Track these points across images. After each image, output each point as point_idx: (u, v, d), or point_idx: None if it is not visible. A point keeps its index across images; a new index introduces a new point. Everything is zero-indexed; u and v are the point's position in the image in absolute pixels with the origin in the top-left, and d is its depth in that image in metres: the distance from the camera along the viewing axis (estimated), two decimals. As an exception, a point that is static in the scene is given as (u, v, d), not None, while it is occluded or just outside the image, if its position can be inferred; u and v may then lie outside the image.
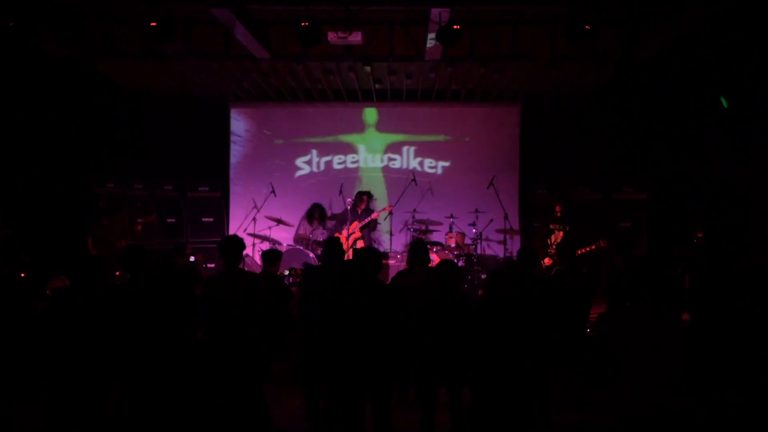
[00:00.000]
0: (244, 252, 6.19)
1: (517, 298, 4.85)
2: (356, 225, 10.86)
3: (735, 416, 5.02)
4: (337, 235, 10.67)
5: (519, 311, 4.72)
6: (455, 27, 7.92)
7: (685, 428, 4.65)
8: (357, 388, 4.78)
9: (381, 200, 12.25)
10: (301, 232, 11.77)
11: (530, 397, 4.61)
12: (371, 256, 5.03)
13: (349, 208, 11.11)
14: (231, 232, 11.60)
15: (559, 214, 10.50)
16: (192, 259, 9.16)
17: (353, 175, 12.64)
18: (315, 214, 11.44)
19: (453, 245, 11.22)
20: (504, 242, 11.63)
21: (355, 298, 4.83)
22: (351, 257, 8.66)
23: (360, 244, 10.72)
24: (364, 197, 11.24)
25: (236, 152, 12.81)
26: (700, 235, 9.84)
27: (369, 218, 10.97)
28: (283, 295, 6.99)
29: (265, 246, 11.47)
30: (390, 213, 11.51)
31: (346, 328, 4.76)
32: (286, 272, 9.05)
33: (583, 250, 9.09)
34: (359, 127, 12.79)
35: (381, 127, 12.77)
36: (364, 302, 4.80)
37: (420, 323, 5.21)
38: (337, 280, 5.74)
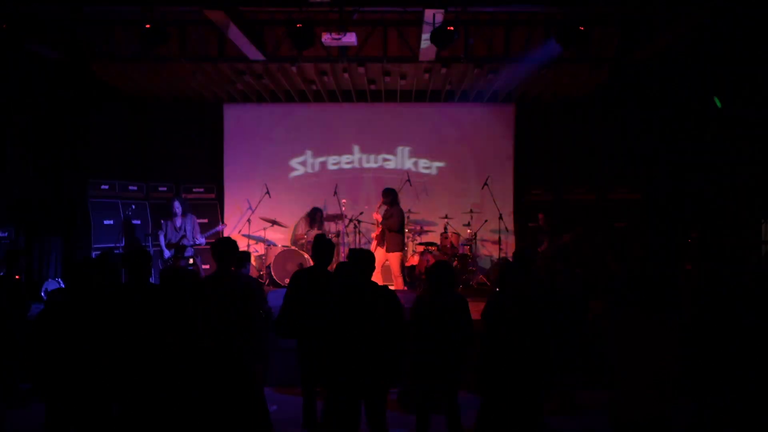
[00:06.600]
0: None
1: (518, 299, 4.87)
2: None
3: (731, 418, 5.04)
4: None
5: (520, 313, 4.73)
6: (449, 28, 7.93)
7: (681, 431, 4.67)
8: (353, 390, 4.78)
9: (375, 201, 12.25)
10: (299, 233, 11.80)
11: (538, 402, 4.63)
12: (365, 257, 5.03)
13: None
14: (225, 233, 11.57)
15: (541, 222, 10.54)
16: (191, 261, 9.16)
17: (348, 176, 12.62)
18: (317, 217, 11.46)
19: (448, 246, 11.24)
20: (499, 243, 11.66)
21: (351, 300, 4.83)
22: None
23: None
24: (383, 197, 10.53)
25: (231, 153, 12.79)
26: (694, 235, 9.88)
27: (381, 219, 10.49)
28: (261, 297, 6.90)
29: (260, 247, 11.50)
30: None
31: (342, 331, 4.76)
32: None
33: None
34: (354, 127, 12.78)
35: (376, 127, 12.76)
36: (360, 304, 4.80)
37: (414, 324, 5.22)
38: (329, 281, 5.74)
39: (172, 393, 4.56)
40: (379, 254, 9.99)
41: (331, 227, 11.84)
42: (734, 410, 4.59)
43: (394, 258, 10.33)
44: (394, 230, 10.31)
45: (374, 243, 10.69)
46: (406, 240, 11.59)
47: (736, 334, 4.75)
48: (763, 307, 4.49)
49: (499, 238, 11.61)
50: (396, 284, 10.28)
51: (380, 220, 10.58)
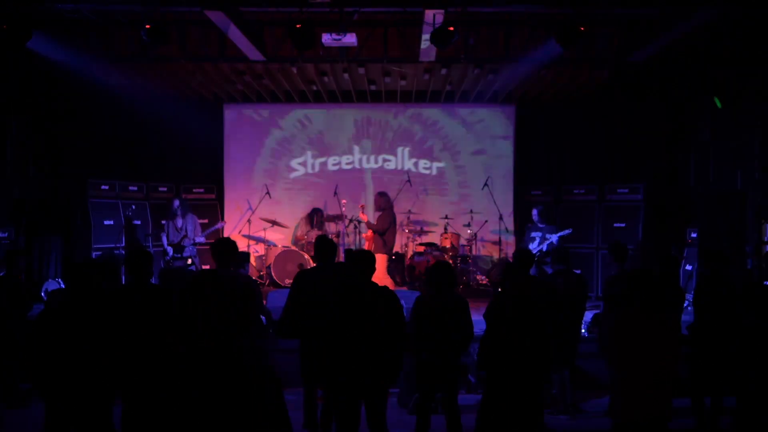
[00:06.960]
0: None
1: (518, 299, 4.87)
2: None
3: (731, 418, 5.04)
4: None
5: (521, 313, 4.74)
6: (449, 28, 7.93)
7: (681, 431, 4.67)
8: (353, 390, 4.78)
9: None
10: (299, 233, 11.81)
11: (538, 402, 4.66)
12: (365, 258, 5.03)
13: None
14: (226, 234, 11.58)
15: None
16: (189, 262, 9.16)
17: (348, 176, 12.62)
18: (317, 217, 11.46)
19: (448, 246, 11.24)
20: (499, 243, 11.66)
21: (352, 300, 4.82)
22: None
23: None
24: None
25: (231, 153, 12.79)
26: (694, 235, 9.87)
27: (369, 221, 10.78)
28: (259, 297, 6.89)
29: (261, 248, 11.50)
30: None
31: (342, 331, 4.76)
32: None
33: None
34: (354, 128, 12.77)
35: (376, 128, 12.76)
36: (360, 304, 4.80)
37: (414, 325, 5.22)
38: (332, 281, 5.73)
39: (173, 393, 4.57)
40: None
41: (331, 228, 11.85)
42: (734, 410, 4.59)
43: (378, 260, 10.27)
44: (380, 232, 10.35)
45: (367, 244, 10.71)
46: (406, 240, 11.59)
47: (736, 334, 4.75)
48: (763, 307, 4.48)
49: (500, 238, 11.62)
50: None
51: (366, 220, 10.73)
